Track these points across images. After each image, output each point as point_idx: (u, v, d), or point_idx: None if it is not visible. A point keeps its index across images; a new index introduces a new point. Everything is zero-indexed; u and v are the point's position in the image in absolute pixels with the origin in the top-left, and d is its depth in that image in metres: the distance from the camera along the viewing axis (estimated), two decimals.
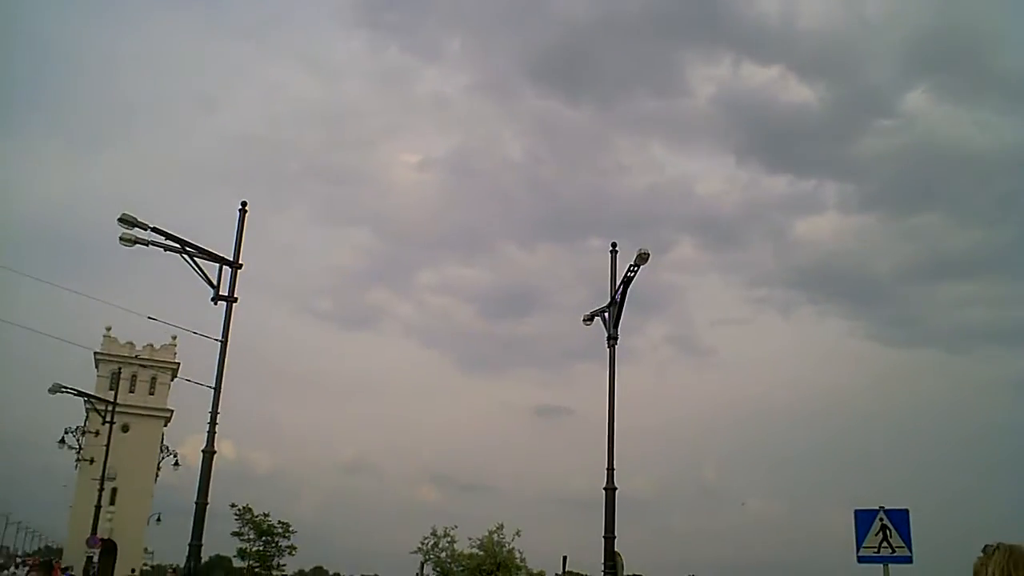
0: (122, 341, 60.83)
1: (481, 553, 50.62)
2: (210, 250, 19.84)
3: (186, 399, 54.60)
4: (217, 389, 19.15)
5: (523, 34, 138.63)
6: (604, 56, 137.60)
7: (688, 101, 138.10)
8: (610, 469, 18.87)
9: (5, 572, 52.47)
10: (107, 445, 41.51)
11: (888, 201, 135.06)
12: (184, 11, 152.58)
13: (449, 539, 52.70)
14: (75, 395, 42.43)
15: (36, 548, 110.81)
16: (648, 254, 19.32)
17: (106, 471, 42.04)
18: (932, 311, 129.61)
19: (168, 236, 19.28)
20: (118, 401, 45.80)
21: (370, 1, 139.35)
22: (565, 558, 39.60)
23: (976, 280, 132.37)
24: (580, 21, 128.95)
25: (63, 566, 45.84)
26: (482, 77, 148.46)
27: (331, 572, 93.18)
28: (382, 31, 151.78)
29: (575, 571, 39.20)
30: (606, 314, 20.38)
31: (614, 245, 20.86)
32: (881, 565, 13.25)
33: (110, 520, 49.53)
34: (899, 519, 13.26)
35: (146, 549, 62.01)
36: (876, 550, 13.21)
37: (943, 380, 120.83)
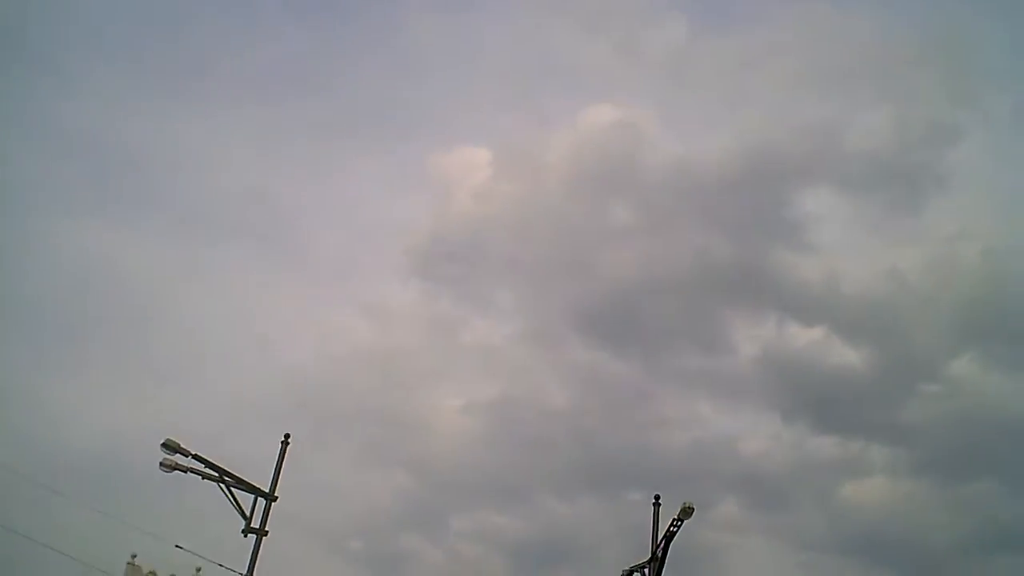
0: (145, 570, 59.28)
1: None
2: (247, 480, 19.76)
3: None
4: None
5: (572, 289, 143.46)
6: (650, 312, 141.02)
7: (732, 359, 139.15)
8: None
9: None
10: None
11: (938, 467, 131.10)
12: (258, 254, 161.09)
13: None
14: None
15: None
16: (692, 508, 18.77)
17: None
18: None
19: (207, 464, 19.32)
20: None
21: (427, 255, 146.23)
22: None
23: None
24: (627, 277, 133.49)
25: None
26: (530, 326, 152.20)
27: None
28: (436, 283, 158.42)
29: None
30: (646, 570, 19.55)
31: (657, 497, 20.35)
32: None
33: None
34: None
35: None
36: None
37: None
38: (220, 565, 20.62)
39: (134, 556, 59.08)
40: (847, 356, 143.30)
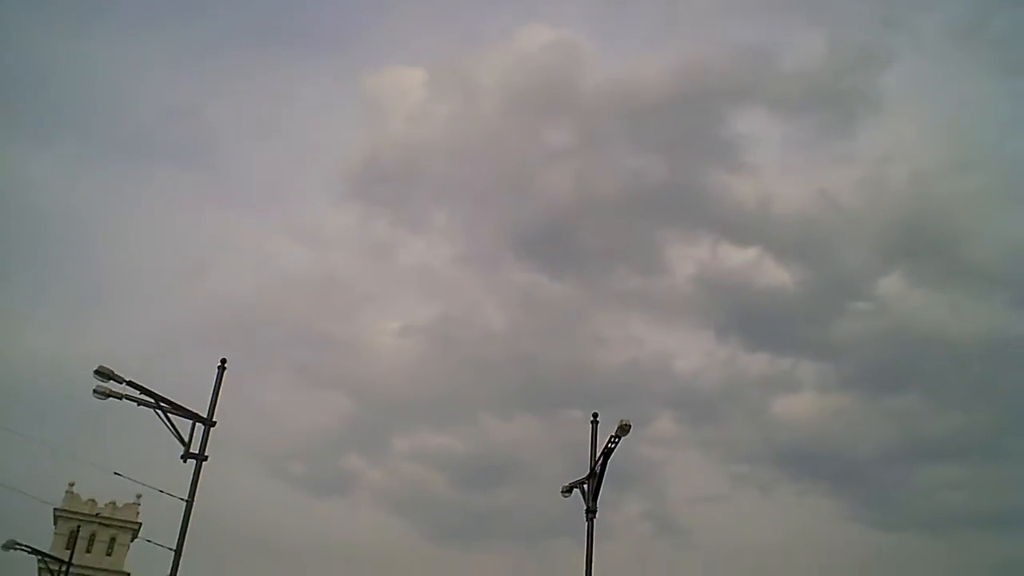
0: (84, 498, 58.85)
1: None
2: (184, 406, 19.57)
3: (147, 562, 52.19)
4: (178, 553, 18.41)
5: (509, 211, 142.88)
6: (587, 233, 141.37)
7: (668, 279, 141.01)
8: None
9: None
10: None
11: (866, 382, 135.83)
12: (185, 176, 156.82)
13: None
14: (29, 553, 40.75)
15: None
16: (629, 425, 19.16)
17: None
18: (913, 494, 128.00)
19: (143, 390, 19.05)
20: (73, 562, 43.87)
21: (362, 178, 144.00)
22: None
23: (955, 463, 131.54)
24: (564, 199, 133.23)
25: None
26: (467, 248, 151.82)
27: None
28: (372, 205, 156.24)
29: None
30: (585, 486, 19.98)
31: (595, 415, 20.71)
32: None
33: None
34: None
35: None
36: None
37: (925, 564, 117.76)
38: (160, 491, 20.52)
39: (72, 484, 58.73)
40: (779, 276, 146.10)
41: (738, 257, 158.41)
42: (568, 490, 20.36)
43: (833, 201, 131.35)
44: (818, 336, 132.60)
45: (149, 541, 20.92)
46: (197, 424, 19.60)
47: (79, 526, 55.29)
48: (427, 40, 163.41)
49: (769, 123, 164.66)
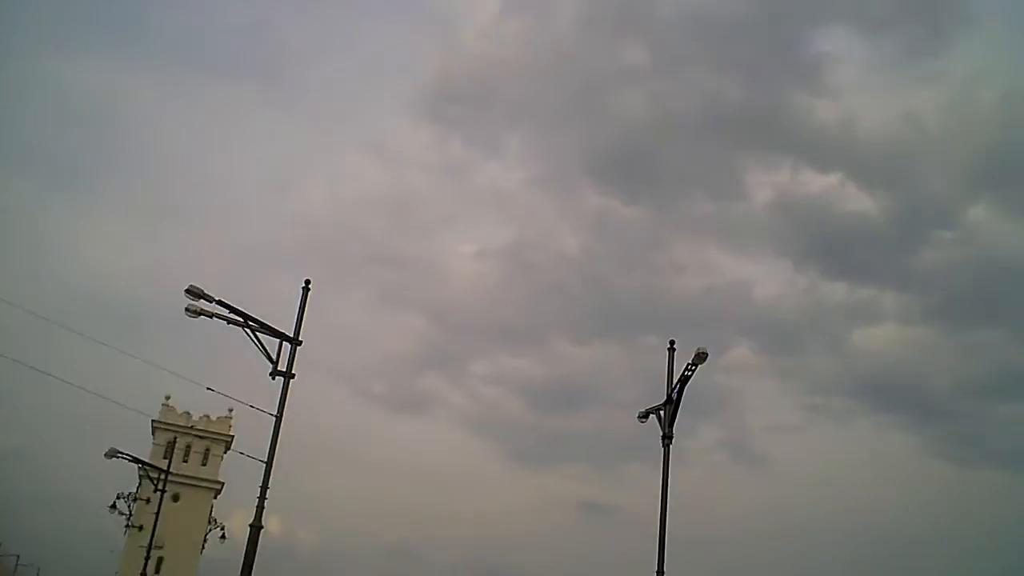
0: (179, 411, 61.65)
1: None
2: (271, 325, 20.20)
3: (238, 472, 54.56)
4: (269, 464, 19.24)
5: (583, 133, 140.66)
6: (662, 157, 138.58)
7: (745, 205, 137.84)
8: (660, 573, 18.34)
9: None
10: (157, 513, 41.74)
11: (949, 314, 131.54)
12: (262, 94, 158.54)
13: None
14: (130, 461, 43.01)
15: None
16: (706, 353, 19.09)
17: (154, 539, 42.13)
18: (994, 429, 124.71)
19: (232, 309, 19.71)
20: (171, 470, 46.18)
21: (434, 97, 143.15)
22: None
23: None
24: (640, 121, 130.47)
25: None
26: (541, 171, 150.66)
27: None
28: (445, 126, 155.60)
29: None
30: (661, 412, 20.10)
31: (672, 343, 20.67)
32: None
33: None
34: None
35: None
36: None
37: (1005, 500, 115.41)
38: (251, 407, 21.36)
39: (168, 397, 61.55)
40: (862, 202, 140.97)
41: (819, 183, 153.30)
42: (644, 416, 20.51)
43: (919, 124, 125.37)
44: (901, 266, 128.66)
45: (242, 453, 21.86)
46: (284, 343, 20.23)
47: (175, 437, 58.00)
48: None
49: (853, 41, 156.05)
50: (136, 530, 49.63)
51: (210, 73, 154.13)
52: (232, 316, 19.77)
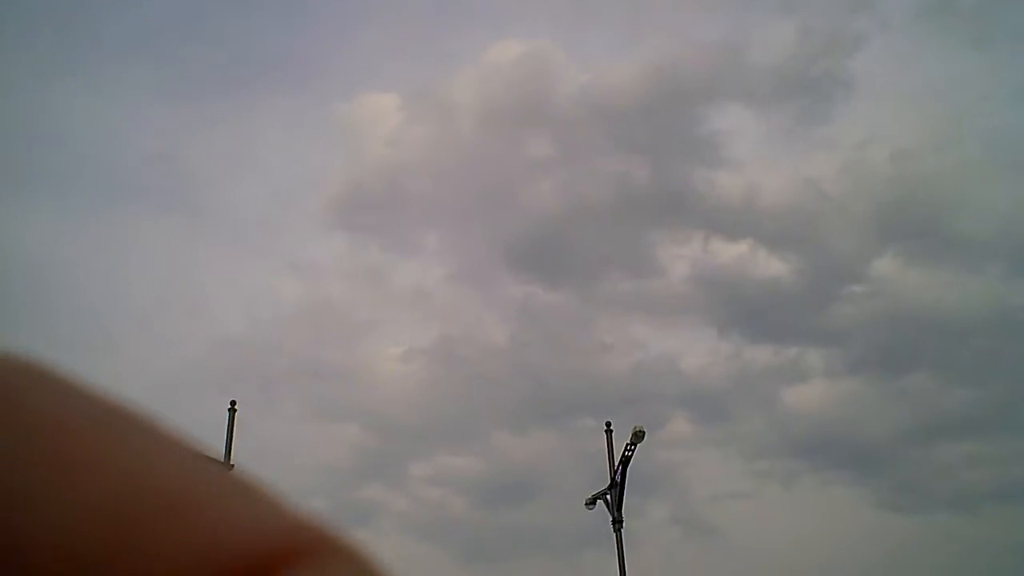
0: None
1: None
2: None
3: None
4: None
5: (498, 225, 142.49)
6: (578, 241, 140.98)
7: (663, 280, 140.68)
8: None
9: None
10: None
11: (872, 364, 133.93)
12: (172, 219, 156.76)
13: None
14: None
15: None
16: (643, 431, 18.98)
17: None
18: (935, 474, 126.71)
19: None
20: None
21: (347, 206, 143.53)
22: None
23: (973, 439, 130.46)
24: (551, 209, 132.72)
25: None
26: (459, 266, 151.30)
27: None
28: (359, 233, 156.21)
29: None
30: (608, 496, 19.82)
31: (608, 424, 20.51)
32: None
33: None
34: None
35: None
36: None
37: (954, 544, 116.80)
38: None
39: None
40: (773, 266, 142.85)
41: (730, 251, 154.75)
42: (592, 501, 20.19)
43: (818, 187, 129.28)
44: (820, 322, 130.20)
45: None
46: None
47: None
48: (397, 66, 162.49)
49: (746, 116, 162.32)
50: None
51: (119, 202, 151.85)
52: None
